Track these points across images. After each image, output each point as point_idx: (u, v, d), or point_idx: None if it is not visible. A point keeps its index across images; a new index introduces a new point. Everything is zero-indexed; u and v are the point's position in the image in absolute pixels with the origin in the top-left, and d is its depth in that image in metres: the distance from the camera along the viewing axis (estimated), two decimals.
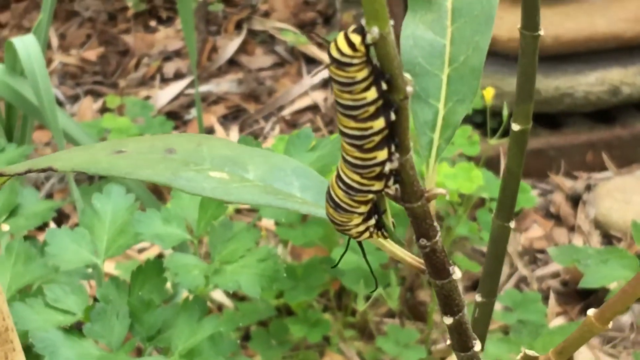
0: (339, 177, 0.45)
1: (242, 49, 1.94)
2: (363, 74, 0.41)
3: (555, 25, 1.66)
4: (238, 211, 1.48)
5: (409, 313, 1.42)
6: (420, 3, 0.51)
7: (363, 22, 0.40)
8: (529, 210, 1.63)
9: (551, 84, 1.67)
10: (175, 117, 1.83)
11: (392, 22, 0.41)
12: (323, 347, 1.35)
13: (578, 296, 1.49)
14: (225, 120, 1.83)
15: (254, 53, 1.94)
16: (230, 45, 1.95)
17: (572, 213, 1.63)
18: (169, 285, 1.04)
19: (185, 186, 0.49)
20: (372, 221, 0.47)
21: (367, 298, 1.34)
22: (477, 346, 0.52)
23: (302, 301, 1.27)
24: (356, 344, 1.37)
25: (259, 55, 1.94)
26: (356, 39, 0.40)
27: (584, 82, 1.70)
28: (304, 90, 1.85)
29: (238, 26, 1.96)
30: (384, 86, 0.41)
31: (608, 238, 1.59)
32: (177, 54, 1.94)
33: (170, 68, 1.92)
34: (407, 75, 0.42)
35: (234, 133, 1.80)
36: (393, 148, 0.44)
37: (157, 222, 1.02)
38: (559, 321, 1.45)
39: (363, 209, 0.46)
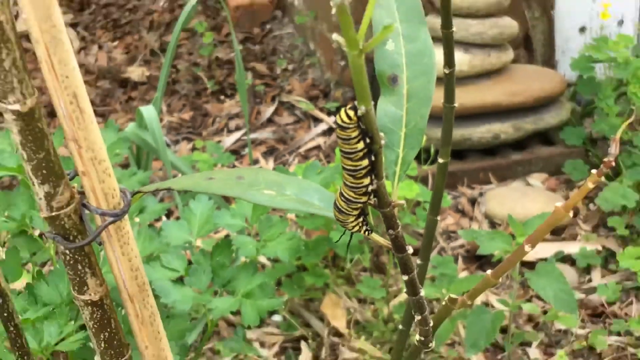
0: (341, 193, 0.45)
1: (275, 112, 1.93)
2: (356, 133, 0.41)
3: (461, 98, 1.65)
4: (273, 209, 1.48)
5: (375, 269, 1.41)
6: (388, 90, 0.51)
7: (356, 102, 0.40)
8: (445, 207, 1.62)
9: (458, 132, 1.66)
10: (236, 153, 1.83)
11: (372, 103, 0.41)
12: (324, 289, 1.34)
13: (474, 259, 1.47)
14: (265, 155, 1.82)
15: (282, 115, 1.94)
16: (268, 111, 1.94)
17: (471, 209, 1.61)
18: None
19: (249, 199, 0.49)
20: (361, 219, 0.46)
21: (351, 260, 1.32)
22: (422, 292, 0.51)
23: (312, 262, 1.26)
24: (344, 288, 1.36)
25: (285, 116, 1.93)
26: (351, 112, 0.41)
27: (477, 131, 1.69)
28: (312, 137, 1.84)
29: (272, 99, 1.95)
30: (368, 140, 0.41)
31: (493, 224, 1.58)
32: (237, 115, 1.94)
33: (232, 124, 1.92)
34: (381, 134, 0.41)
35: (271, 163, 1.81)
36: (373, 177, 0.43)
37: (227, 216, 1.02)
38: (463, 274, 1.44)
39: (355, 212, 0.46)
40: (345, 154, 0.46)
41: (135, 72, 2.20)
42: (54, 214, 0.46)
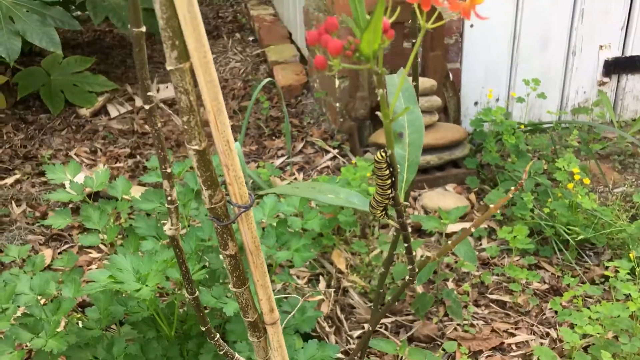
0: (374, 198, 0.45)
1: (304, 147, 1.91)
2: (385, 165, 0.41)
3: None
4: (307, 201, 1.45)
5: (362, 236, 1.39)
6: (398, 140, 0.51)
7: (386, 148, 0.40)
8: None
9: None
10: (282, 169, 1.81)
11: (394, 149, 0.40)
12: (333, 247, 1.33)
13: (417, 232, 1.45)
14: (298, 171, 1.80)
15: (307, 148, 1.92)
16: (299, 146, 1.93)
17: (414, 203, 1.59)
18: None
19: (320, 200, 0.49)
20: (384, 212, 0.46)
21: (348, 231, 1.31)
22: (414, 253, 0.50)
23: (327, 232, 1.24)
24: (344, 246, 1.35)
25: (309, 149, 1.91)
26: (383, 153, 0.40)
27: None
28: (324, 161, 1.83)
29: (302, 139, 1.94)
30: (391, 169, 0.41)
31: (426, 212, 1.56)
32: (282, 148, 1.92)
33: (279, 153, 1.90)
34: (398, 165, 0.41)
35: (301, 176, 1.77)
36: (392, 189, 0.43)
37: (285, 206, 1.01)
38: (414, 239, 1.41)
39: (381, 208, 0.45)
40: (378, 177, 0.44)
41: None
42: (212, 206, 0.45)
